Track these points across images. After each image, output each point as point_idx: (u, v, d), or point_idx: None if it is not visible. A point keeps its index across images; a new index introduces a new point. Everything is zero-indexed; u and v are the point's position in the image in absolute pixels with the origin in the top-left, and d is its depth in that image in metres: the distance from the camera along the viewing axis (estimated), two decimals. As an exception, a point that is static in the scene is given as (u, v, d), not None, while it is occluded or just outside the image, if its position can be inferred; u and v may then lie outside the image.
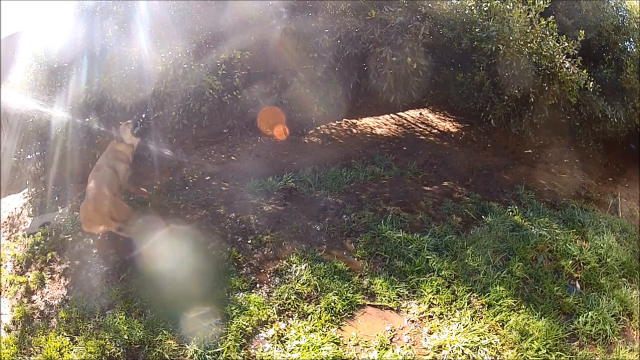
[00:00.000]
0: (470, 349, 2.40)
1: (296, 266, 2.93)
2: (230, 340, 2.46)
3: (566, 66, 4.00)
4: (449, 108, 6.03)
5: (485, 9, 4.04)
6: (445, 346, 2.43)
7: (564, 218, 3.70)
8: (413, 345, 2.47)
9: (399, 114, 6.03)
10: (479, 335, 2.48)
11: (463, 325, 2.54)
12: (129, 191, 3.45)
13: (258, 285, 2.86)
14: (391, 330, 2.54)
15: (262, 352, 2.42)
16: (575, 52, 4.06)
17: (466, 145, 5.09)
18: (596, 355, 2.51)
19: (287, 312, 2.65)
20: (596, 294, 2.89)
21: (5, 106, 4.07)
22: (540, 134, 4.79)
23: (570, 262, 3.12)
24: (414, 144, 5.09)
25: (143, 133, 3.42)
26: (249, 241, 3.22)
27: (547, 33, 4.00)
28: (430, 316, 2.63)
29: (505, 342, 2.48)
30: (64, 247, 3.43)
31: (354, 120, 5.70)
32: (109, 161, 3.23)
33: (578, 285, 2.99)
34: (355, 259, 3.05)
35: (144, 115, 3.44)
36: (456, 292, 2.76)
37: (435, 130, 5.58)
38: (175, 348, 2.47)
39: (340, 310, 2.62)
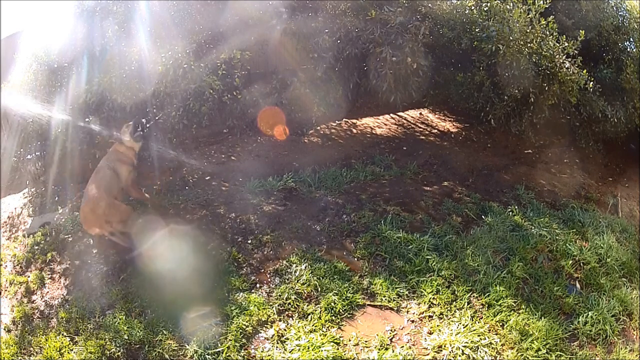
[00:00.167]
0: (470, 349, 2.41)
1: (296, 266, 2.93)
2: (230, 340, 2.46)
3: (566, 66, 4.00)
4: (449, 108, 6.04)
5: (485, 9, 4.04)
6: (445, 346, 2.43)
7: (564, 218, 3.70)
8: (413, 345, 2.47)
9: (399, 114, 6.04)
10: (479, 335, 2.48)
11: (463, 325, 2.54)
12: (131, 194, 3.42)
13: (258, 285, 2.86)
14: (391, 330, 2.55)
15: (262, 352, 2.42)
16: (575, 52, 4.06)
17: (466, 145, 5.09)
18: (596, 355, 2.51)
19: (287, 312, 2.65)
20: (596, 294, 2.89)
21: (6, 107, 4.07)
22: (540, 134, 4.79)
23: (570, 262, 3.12)
24: (414, 144, 5.09)
25: (143, 137, 3.38)
26: (249, 241, 3.22)
27: (547, 33, 4.00)
28: (430, 316, 2.63)
29: (505, 342, 2.48)
30: (64, 247, 3.43)
31: (354, 120, 5.70)
32: (109, 163, 3.22)
33: (578, 285, 2.99)
34: (355, 259, 3.05)
35: (143, 120, 3.41)
36: (456, 292, 2.76)
37: (435, 130, 5.58)
38: (175, 348, 2.47)
39: (340, 310, 2.62)
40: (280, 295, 2.73)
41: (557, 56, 3.98)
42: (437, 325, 2.56)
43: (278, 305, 2.66)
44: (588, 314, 2.69)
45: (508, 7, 3.93)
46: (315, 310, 2.63)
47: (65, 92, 4.05)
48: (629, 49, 4.86)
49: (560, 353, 2.44)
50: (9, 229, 4.00)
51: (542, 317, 2.61)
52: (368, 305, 2.71)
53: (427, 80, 4.35)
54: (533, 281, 2.93)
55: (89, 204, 3.06)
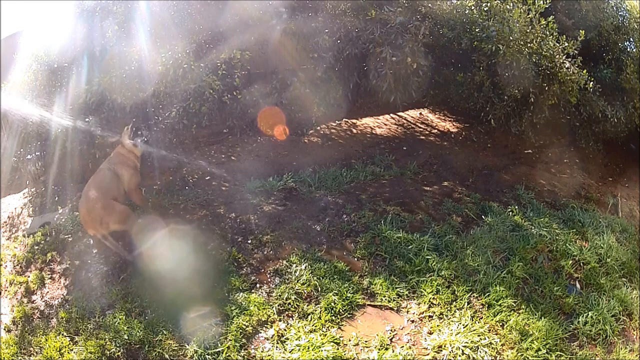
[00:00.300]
0: (470, 349, 2.41)
1: (296, 266, 2.93)
2: (230, 340, 2.46)
3: (566, 66, 4.00)
4: (449, 108, 6.04)
5: (485, 9, 4.04)
6: (445, 346, 2.43)
7: (564, 218, 3.70)
8: (413, 345, 2.47)
9: (399, 114, 6.04)
10: (479, 335, 2.48)
11: (463, 325, 2.54)
12: (132, 198, 3.38)
13: (258, 285, 2.86)
14: (391, 330, 2.55)
15: (262, 352, 2.42)
16: (575, 52, 4.06)
17: (466, 145, 5.09)
18: (596, 355, 2.51)
19: (287, 312, 2.65)
20: (596, 294, 2.89)
21: (6, 108, 4.06)
22: (540, 134, 4.79)
23: (570, 262, 3.12)
24: (414, 144, 5.09)
25: (143, 141, 3.33)
26: (249, 241, 3.22)
27: (547, 33, 4.00)
28: (430, 316, 2.63)
29: (505, 342, 2.48)
30: (64, 247, 3.43)
31: (354, 120, 5.71)
32: (110, 165, 3.22)
33: (578, 285, 2.99)
34: (355, 259, 3.05)
35: (143, 125, 3.39)
36: (456, 292, 2.76)
37: (435, 130, 5.58)
38: (175, 348, 2.47)
39: (340, 310, 2.62)
40: (280, 295, 2.73)
41: (557, 56, 3.98)
42: (437, 325, 2.56)
43: (278, 305, 2.66)
44: (588, 314, 2.69)
45: (508, 7, 3.93)
46: (315, 310, 2.63)
47: (65, 92, 4.05)
48: (629, 49, 4.86)
49: (560, 353, 2.44)
50: (9, 229, 4.00)
51: (542, 317, 2.61)
52: (368, 305, 2.71)
53: (427, 80, 4.35)
54: (533, 281, 2.93)
55: (86, 204, 3.06)
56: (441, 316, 2.63)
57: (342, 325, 2.57)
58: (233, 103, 4.32)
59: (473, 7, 4.12)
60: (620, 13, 4.98)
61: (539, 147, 5.05)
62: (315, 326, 2.53)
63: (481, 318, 2.62)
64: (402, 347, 2.44)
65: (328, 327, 2.53)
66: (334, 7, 4.26)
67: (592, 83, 4.09)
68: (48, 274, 3.25)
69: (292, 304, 2.68)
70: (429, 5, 4.20)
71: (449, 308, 2.67)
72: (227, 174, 4.21)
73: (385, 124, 5.74)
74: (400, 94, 4.15)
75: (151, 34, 3.91)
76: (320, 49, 4.12)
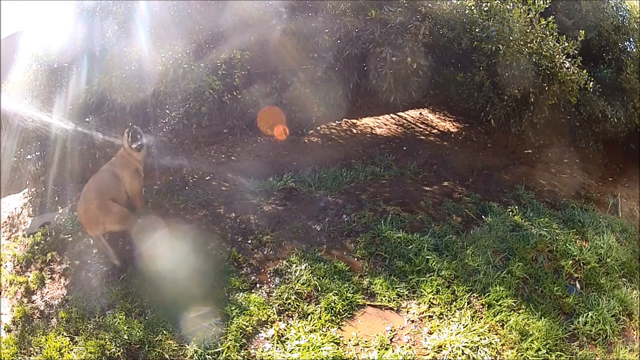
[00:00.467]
0: (470, 349, 2.40)
1: (296, 266, 2.93)
2: (230, 340, 2.46)
3: (566, 66, 4.00)
4: (449, 108, 6.04)
5: (485, 9, 4.04)
6: (445, 346, 2.43)
7: (564, 218, 3.70)
8: (413, 345, 2.47)
9: (399, 114, 6.04)
10: (479, 335, 2.48)
11: (463, 325, 2.54)
12: (133, 201, 3.33)
13: (258, 285, 2.86)
14: (391, 330, 2.54)
15: (262, 352, 2.42)
16: (575, 52, 4.06)
17: (466, 145, 5.09)
18: (596, 355, 2.51)
19: (287, 312, 2.65)
20: (596, 294, 2.88)
21: (6, 109, 4.06)
22: (540, 134, 4.79)
23: (570, 262, 3.12)
24: (414, 144, 5.09)
25: (141, 146, 3.25)
26: (249, 241, 3.22)
27: (547, 33, 4.00)
28: (430, 316, 2.63)
29: (505, 342, 2.48)
30: (64, 247, 3.43)
31: (354, 120, 5.71)
32: (112, 166, 3.21)
33: (578, 285, 2.99)
34: (355, 259, 3.05)
35: (137, 127, 3.31)
36: (456, 292, 2.76)
37: (435, 130, 5.58)
38: (175, 348, 2.47)
39: (340, 310, 2.62)
40: (280, 295, 2.73)
41: (557, 56, 3.99)
42: (437, 325, 2.56)
43: (278, 305, 2.66)
44: (588, 314, 2.68)
45: (508, 7, 3.93)
46: (315, 310, 2.63)
47: (65, 92, 4.05)
48: (629, 49, 4.87)
49: (560, 353, 2.44)
50: (9, 229, 4.00)
51: (542, 317, 2.61)
52: (368, 305, 2.71)
53: (427, 80, 4.35)
54: (533, 281, 2.93)
55: (83, 204, 3.08)
56: (441, 316, 2.63)
57: (342, 325, 2.57)
58: (233, 103, 4.32)
59: (473, 7, 4.12)
60: (620, 13, 4.98)
61: (539, 147, 5.05)
62: (315, 326, 2.53)
63: (481, 318, 2.62)
64: (402, 347, 2.44)
65: (328, 327, 2.53)
66: (334, 7, 4.26)
67: (592, 83, 4.09)
68: (48, 274, 3.25)
69: (292, 304, 2.68)
70: (429, 5, 4.21)
71: (449, 308, 2.67)
72: (227, 174, 4.21)
73: (385, 124, 5.74)
74: (400, 94, 4.16)
75: (151, 34, 3.91)
76: (320, 49, 4.13)
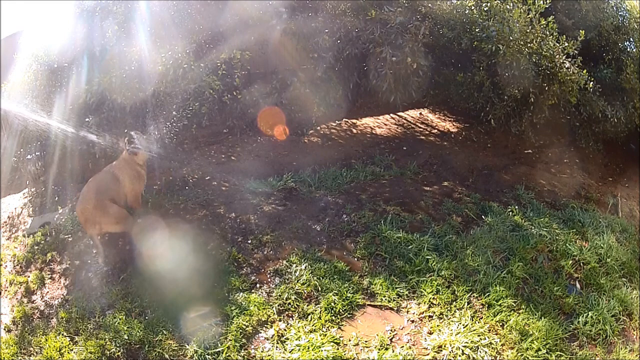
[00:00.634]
0: (470, 349, 2.40)
1: (296, 266, 2.93)
2: (230, 340, 2.46)
3: (566, 66, 4.00)
4: (449, 108, 6.04)
5: (485, 9, 4.04)
6: (445, 346, 2.43)
7: (564, 218, 3.70)
8: (413, 345, 2.47)
9: (399, 114, 6.04)
10: (479, 335, 2.48)
11: (463, 325, 2.54)
12: (132, 205, 3.32)
13: (258, 285, 2.86)
14: (391, 330, 2.54)
15: (262, 352, 2.42)
16: (575, 52, 4.06)
17: (466, 145, 5.09)
18: (596, 355, 2.51)
19: (287, 312, 2.65)
20: (596, 294, 2.89)
21: (6, 110, 4.05)
22: (540, 134, 4.79)
23: (570, 262, 3.12)
24: (414, 144, 5.09)
25: (137, 150, 3.19)
26: (249, 241, 3.22)
27: (547, 33, 4.00)
28: (430, 316, 2.63)
29: (505, 342, 2.48)
30: (64, 247, 3.43)
31: (354, 120, 5.71)
32: (112, 168, 3.22)
33: (578, 285, 2.99)
34: (355, 259, 3.05)
35: (132, 133, 3.26)
36: (456, 292, 2.76)
37: (435, 130, 5.58)
38: (175, 348, 2.47)
39: (340, 310, 2.62)
40: (280, 295, 2.73)
41: (557, 56, 3.99)
42: (437, 325, 2.56)
43: (278, 305, 2.66)
44: (588, 314, 2.68)
45: (508, 7, 3.93)
46: (315, 310, 2.63)
47: (65, 92, 4.05)
48: (629, 49, 4.87)
49: (560, 353, 2.44)
50: (9, 229, 4.00)
51: (542, 317, 2.61)
52: (368, 305, 2.71)
53: (427, 80, 4.36)
54: (533, 281, 2.93)
55: (80, 203, 3.10)
56: (441, 316, 2.63)
57: (342, 325, 2.57)
58: (233, 103, 4.32)
59: (473, 7, 4.12)
60: (620, 13, 4.98)
61: (539, 147, 5.05)
62: (315, 326, 2.53)
63: (481, 318, 2.62)
64: (402, 347, 2.44)
65: (328, 327, 2.53)
66: (334, 7, 4.26)
67: (592, 83, 4.09)
68: (48, 274, 3.25)
69: (292, 304, 2.68)
70: (429, 5, 4.21)
71: (449, 308, 2.67)
72: (227, 174, 4.21)
73: (385, 124, 5.74)
74: (400, 94, 4.16)
75: (151, 34, 3.91)
76: (320, 49, 4.13)
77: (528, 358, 2.40)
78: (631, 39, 4.90)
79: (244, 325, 2.53)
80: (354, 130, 5.48)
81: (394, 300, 2.71)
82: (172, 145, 4.11)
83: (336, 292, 2.72)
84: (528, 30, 3.94)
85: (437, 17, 4.24)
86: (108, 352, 2.48)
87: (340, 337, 2.48)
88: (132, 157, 3.22)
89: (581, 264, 3.14)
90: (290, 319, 2.61)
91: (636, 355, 2.56)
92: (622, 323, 2.74)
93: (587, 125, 4.75)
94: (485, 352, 2.40)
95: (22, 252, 3.57)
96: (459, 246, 3.13)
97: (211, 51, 4.16)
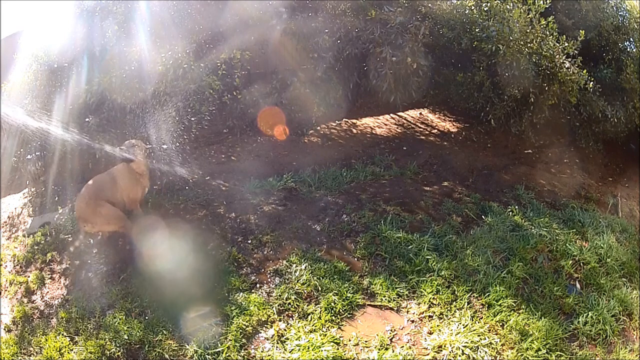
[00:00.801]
0: (470, 349, 2.40)
1: (296, 266, 2.93)
2: (230, 340, 2.46)
3: (566, 66, 4.00)
4: (449, 108, 6.04)
5: (485, 9, 4.04)
6: (445, 346, 2.43)
7: (564, 218, 3.70)
8: (413, 345, 2.47)
9: (399, 114, 6.04)
10: (479, 335, 2.48)
11: (463, 325, 2.54)
12: (131, 209, 3.30)
13: (258, 285, 2.86)
14: (391, 330, 2.54)
15: (262, 352, 2.42)
16: (575, 52, 4.06)
17: (466, 145, 5.09)
18: (596, 355, 2.51)
19: (287, 312, 2.65)
20: (596, 294, 2.89)
21: (5, 115, 4.03)
22: (540, 134, 4.79)
23: (570, 262, 3.12)
24: (414, 144, 5.09)
25: (130, 161, 3.14)
26: (249, 241, 3.22)
27: (547, 33, 4.00)
28: (430, 316, 2.63)
29: (505, 342, 2.48)
30: (64, 247, 3.43)
31: (354, 120, 5.71)
32: (113, 171, 3.23)
33: (578, 285, 2.99)
34: (355, 259, 3.05)
35: (133, 140, 3.24)
36: (456, 292, 2.76)
37: (435, 130, 5.58)
38: (175, 348, 2.47)
39: (340, 310, 2.62)
40: (280, 295, 2.73)
41: (557, 56, 3.99)
42: (437, 325, 2.56)
43: (278, 305, 2.66)
44: (588, 314, 2.68)
45: (508, 7, 3.93)
46: (315, 310, 2.63)
47: (65, 92, 4.04)
48: (629, 49, 4.87)
49: (560, 353, 2.44)
50: (9, 229, 4.00)
51: (542, 317, 2.61)
52: (368, 305, 2.71)
53: (427, 80, 4.36)
54: (533, 281, 2.93)
55: (76, 202, 3.15)
56: (441, 316, 2.63)
57: (342, 325, 2.57)
58: (233, 103, 4.32)
59: (473, 7, 4.12)
60: (620, 13, 4.98)
61: (539, 147, 5.05)
62: (315, 326, 2.53)
63: (481, 318, 2.62)
64: (402, 347, 2.44)
65: (328, 327, 2.53)
66: (334, 7, 4.26)
67: (592, 83, 4.09)
68: (48, 274, 3.25)
69: (292, 304, 2.68)
70: (429, 5, 4.21)
71: (449, 308, 2.67)
72: (227, 174, 4.21)
73: (385, 124, 5.74)
74: (400, 94, 4.16)
75: (151, 34, 3.91)
76: (320, 49, 4.13)
77: (528, 358, 2.40)
78: (631, 39, 4.90)
79: (244, 325, 2.53)
80: (354, 130, 5.48)
81: (394, 300, 2.71)
82: (172, 145, 4.10)
83: (336, 292, 2.72)
84: (528, 30, 3.94)
85: (437, 17, 4.24)
86: (108, 352, 2.49)
87: (340, 337, 2.48)
88: (130, 165, 3.23)
89: (581, 264, 3.14)
90: (290, 319, 2.61)
91: (636, 355, 2.56)
92: (622, 323, 2.74)
93: (587, 125, 4.75)
94: (485, 352, 2.40)
95: (22, 252, 3.57)
96: (459, 246, 3.13)
97: (211, 51, 4.16)
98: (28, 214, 4.13)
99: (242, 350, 2.43)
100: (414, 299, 2.74)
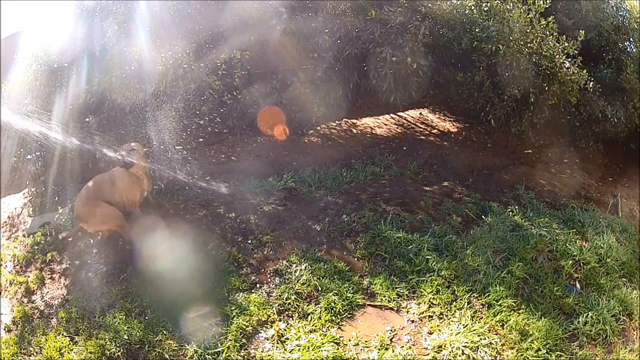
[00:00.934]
0: (470, 349, 2.41)
1: (296, 266, 2.93)
2: (230, 340, 2.46)
3: (566, 66, 4.00)
4: (449, 108, 6.04)
5: (485, 9, 4.04)
6: (445, 346, 2.43)
7: (564, 218, 3.70)
8: (413, 345, 2.47)
9: (399, 114, 6.04)
10: (479, 335, 2.48)
11: (463, 325, 2.54)
12: (130, 211, 3.29)
13: (258, 285, 2.86)
14: (391, 330, 2.55)
15: (262, 352, 2.42)
16: (575, 52, 4.06)
17: (466, 145, 5.09)
18: (596, 355, 2.51)
19: (287, 312, 2.65)
20: (596, 294, 2.89)
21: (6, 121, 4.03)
22: (540, 134, 4.79)
23: (570, 262, 3.12)
24: (414, 144, 5.09)
25: (127, 165, 3.11)
26: (249, 241, 3.22)
27: (547, 33, 4.00)
28: (430, 316, 2.63)
29: (505, 342, 2.48)
30: (64, 247, 3.43)
31: (354, 120, 5.71)
32: (113, 172, 3.23)
33: (578, 285, 2.99)
34: (355, 259, 3.05)
35: (133, 144, 3.24)
36: (456, 292, 2.76)
37: (435, 130, 5.58)
38: (175, 348, 2.47)
39: (340, 310, 2.62)
40: (280, 295, 2.73)
41: (557, 56, 3.99)
42: (437, 325, 2.56)
43: (278, 305, 2.66)
44: (588, 314, 2.69)
45: (508, 7, 3.93)
46: (315, 310, 2.63)
47: (65, 92, 4.04)
48: (629, 49, 4.87)
49: (560, 353, 2.44)
50: (9, 229, 4.00)
51: (542, 317, 2.61)
52: (368, 305, 2.71)
53: (427, 80, 4.36)
54: (533, 281, 2.93)
55: (76, 201, 3.18)
56: (441, 316, 2.63)
57: (342, 325, 2.57)
58: (233, 103, 4.32)
59: (473, 7, 4.12)
60: (620, 13, 4.98)
61: (539, 147, 5.05)
62: (315, 326, 2.53)
63: (481, 318, 2.62)
64: (402, 347, 2.44)
65: (328, 327, 2.53)
66: (334, 7, 4.26)
67: (592, 83, 4.09)
68: (48, 274, 3.25)
69: (292, 304, 2.68)
70: (429, 5, 4.21)
71: (449, 308, 2.67)
72: (227, 174, 4.21)
73: (385, 124, 5.74)
74: (400, 94, 4.16)
75: (151, 34, 3.91)
76: (320, 49, 4.13)
77: (528, 358, 2.40)
78: (631, 39, 4.89)
79: (244, 325, 2.53)
80: (354, 130, 5.48)
81: (394, 300, 2.71)
82: (172, 145, 4.10)
83: (336, 292, 2.72)
84: (528, 30, 3.94)
85: (437, 17, 4.24)
86: (108, 352, 2.49)
87: (340, 337, 2.48)
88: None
89: (581, 264, 3.14)
90: (290, 319, 2.61)
91: (636, 355, 2.56)
92: (622, 323, 2.74)
93: (587, 125, 4.75)
94: (485, 352, 2.40)
95: (22, 252, 3.57)
96: (459, 246, 3.13)
97: (211, 51, 4.15)
98: (28, 214, 4.13)
99: (242, 350, 2.43)
100: (414, 299, 2.74)
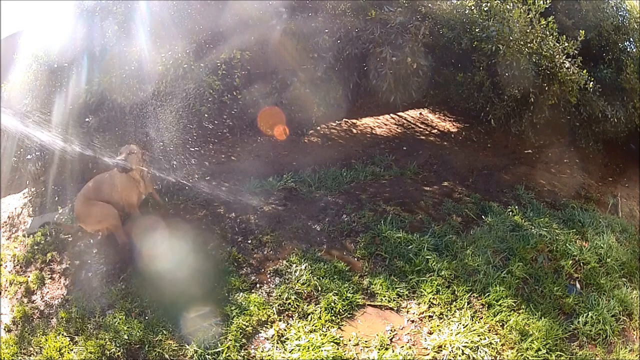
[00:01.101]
0: (470, 349, 2.40)
1: (296, 266, 2.93)
2: (230, 340, 2.46)
3: (566, 66, 4.00)
4: (449, 108, 6.03)
5: (485, 9, 4.04)
6: (445, 346, 2.43)
7: (564, 218, 3.70)
8: (413, 345, 2.47)
9: (399, 114, 6.04)
10: (479, 335, 2.48)
11: (463, 325, 2.54)
12: (129, 212, 3.30)
13: (258, 285, 2.86)
14: (391, 330, 2.55)
15: (262, 352, 2.42)
16: (575, 52, 4.06)
17: (466, 145, 5.09)
18: (596, 355, 2.51)
19: (287, 312, 2.65)
20: (596, 294, 2.89)
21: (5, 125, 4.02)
22: (540, 134, 4.79)
23: (570, 262, 3.12)
24: (414, 144, 5.09)
25: (124, 168, 3.10)
26: (249, 241, 3.22)
27: (547, 33, 4.00)
28: (430, 316, 2.63)
29: (505, 342, 2.48)
30: (64, 247, 3.43)
31: (354, 120, 5.71)
32: (113, 172, 3.22)
33: (578, 285, 2.99)
34: (355, 259, 3.05)
35: (133, 146, 3.24)
36: (456, 292, 2.76)
37: (435, 130, 5.58)
38: (175, 348, 2.47)
39: (340, 310, 2.62)
40: (280, 295, 2.73)
41: (557, 56, 3.99)
42: (437, 325, 2.56)
43: (278, 305, 2.66)
44: (588, 314, 2.68)
45: (508, 7, 3.93)
46: (315, 310, 2.63)
47: (65, 92, 4.04)
48: (629, 49, 4.87)
49: (560, 353, 2.44)
50: (9, 229, 4.00)
51: (542, 317, 2.61)
52: (368, 305, 2.71)
53: (427, 80, 4.36)
54: (533, 281, 2.93)
55: (75, 202, 3.20)
56: (441, 316, 2.63)
57: (342, 325, 2.57)
58: (233, 103, 4.32)
59: (473, 7, 4.12)
60: (620, 13, 4.98)
61: (539, 147, 5.05)
62: (315, 326, 2.53)
63: (481, 318, 2.62)
64: (402, 347, 2.44)
65: (328, 327, 2.53)
66: (334, 7, 4.26)
67: (592, 83, 4.09)
68: (48, 274, 3.25)
69: (292, 304, 2.68)
70: (429, 5, 4.21)
71: (449, 308, 2.67)
72: (227, 174, 4.21)
73: (385, 124, 5.74)
74: (400, 94, 4.16)
75: (151, 34, 3.91)
76: (320, 49, 4.13)
77: (528, 358, 2.40)
78: (631, 39, 4.89)
79: (244, 325, 2.53)
80: (354, 130, 5.48)
81: (394, 300, 2.71)
82: (171, 145, 4.10)
83: (336, 292, 2.72)
84: (528, 30, 3.94)
85: (437, 17, 4.24)
86: (108, 352, 2.49)
87: (340, 337, 2.48)
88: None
89: (581, 264, 3.14)
90: (290, 319, 2.61)
91: (636, 355, 2.56)
92: (622, 323, 2.74)
93: (587, 125, 4.75)
94: (485, 352, 2.40)
95: (22, 252, 3.57)
96: (459, 246, 3.13)
97: (211, 51, 4.15)
98: (28, 214, 4.13)
99: (242, 350, 2.43)
100: (414, 299, 2.74)
